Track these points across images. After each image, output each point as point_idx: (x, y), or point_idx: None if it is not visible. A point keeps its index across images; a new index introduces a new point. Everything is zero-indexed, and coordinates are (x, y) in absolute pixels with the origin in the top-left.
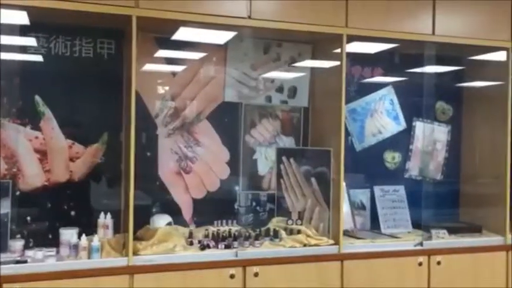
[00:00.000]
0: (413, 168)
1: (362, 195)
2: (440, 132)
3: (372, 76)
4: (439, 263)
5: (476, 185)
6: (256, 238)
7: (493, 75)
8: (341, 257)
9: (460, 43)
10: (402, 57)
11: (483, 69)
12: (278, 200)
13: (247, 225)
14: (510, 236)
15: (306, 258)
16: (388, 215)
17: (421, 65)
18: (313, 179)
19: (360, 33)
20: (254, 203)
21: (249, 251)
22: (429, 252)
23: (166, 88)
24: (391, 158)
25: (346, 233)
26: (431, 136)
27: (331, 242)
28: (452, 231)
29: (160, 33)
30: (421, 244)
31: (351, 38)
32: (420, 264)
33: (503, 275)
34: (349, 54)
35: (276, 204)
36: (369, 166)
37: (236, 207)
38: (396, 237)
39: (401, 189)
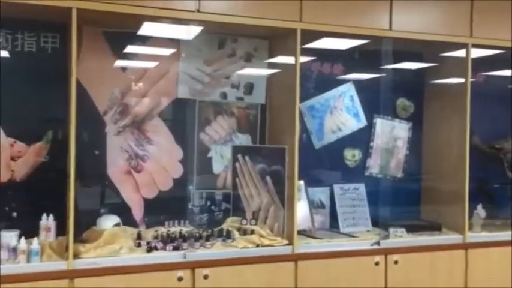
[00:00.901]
0: (373, 166)
1: (321, 194)
2: (401, 129)
3: (332, 72)
4: (396, 262)
5: (437, 182)
6: (208, 239)
7: (453, 71)
8: (295, 258)
9: (418, 39)
10: (362, 54)
11: (443, 66)
12: (234, 199)
13: (202, 225)
14: (469, 235)
15: (258, 259)
16: (347, 213)
17: (382, 61)
18: (268, 178)
19: (315, 28)
20: (209, 203)
21: (199, 253)
22: (386, 252)
23: (116, 84)
24: (351, 156)
25: (304, 233)
26: (392, 133)
27: (285, 242)
28: (411, 229)
29: (109, 27)
30: (377, 243)
31: (311, 34)
32: (377, 263)
33: (462, 273)
34: (307, 50)
35: (231, 204)
36: (328, 164)
37: (190, 206)
38: (353, 237)
39: (361, 187)
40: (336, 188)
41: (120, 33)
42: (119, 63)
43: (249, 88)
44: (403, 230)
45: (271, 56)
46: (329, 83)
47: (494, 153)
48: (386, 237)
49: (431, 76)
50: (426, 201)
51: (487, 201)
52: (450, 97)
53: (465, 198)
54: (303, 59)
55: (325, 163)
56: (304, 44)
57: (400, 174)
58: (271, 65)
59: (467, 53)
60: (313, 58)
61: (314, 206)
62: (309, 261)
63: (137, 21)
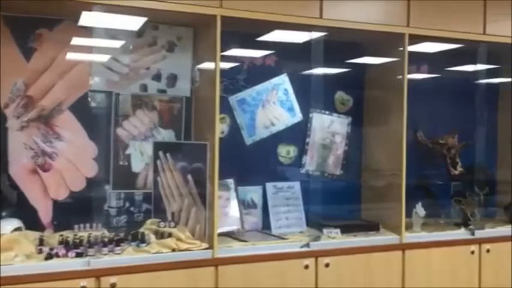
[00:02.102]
0: (310, 163)
1: (253, 193)
2: (340, 124)
3: (264, 64)
4: (327, 265)
5: (376, 180)
6: (118, 244)
7: (390, 64)
8: (215, 262)
9: (352, 28)
10: (298, 44)
11: (381, 57)
12: (155, 200)
13: (119, 228)
14: (406, 235)
15: (174, 264)
16: (280, 213)
17: (319, 53)
18: (189, 176)
19: (237, 14)
20: (127, 204)
21: (104, 259)
22: (317, 254)
23: (19, 75)
24: (286, 152)
25: (232, 235)
26: (329, 128)
27: (205, 246)
28: (346, 230)
29: (10, 11)
30: (307, 245)
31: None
32: (306, 267)
33: (399, 276)
34: (239, 39)
35: (153, 205)
36: (260, 161)
37: (106, 208)
38: (283, 238)
39: (296, 186)
40: (269, 186)
41: (23, 18)
42: (22, 51)
43: (172, 80)
44: (338, 230)
45: (196, 45)
46: (261, 75)
47: (437, 149)
48: (317, 238)
49: (371, 69)
50: (366, 200)
51: (429, 200)
52: (388, 91)
53: (402, 196)
54: (237, 50)
55: (257, 160)
56: (231, 32)
57: (338, 172)
58: (197, 56)
59: (404, 45)
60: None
61: (245, 206)
62: (231, 265)
63: (43, 4)
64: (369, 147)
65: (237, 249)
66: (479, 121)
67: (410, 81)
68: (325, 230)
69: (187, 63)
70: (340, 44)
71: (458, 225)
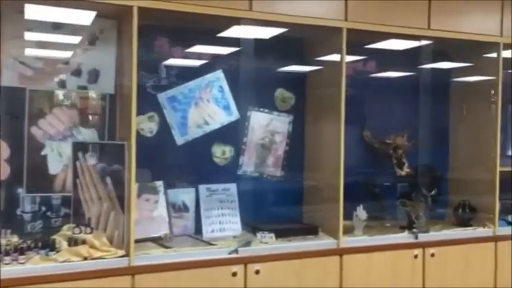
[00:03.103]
0: (248, 164)
1: (185, 195)
2: (280, 123)
3: (200, 59)
4: (257, 272)
5: (318, 181)
6: (22, 252)
7: (331, 60)
8: (131, 271)
9: (287, 21)
10: (234, 40)
11: (321, 53)
12: (75, 204)
13: (34, 234)
14: (345, 239)
15: (86, 274)
16: (213, 217)
17: (258, 48)
18: (108, 179)
19: (153, 5)
20: (44, 208)
21: (6, 269)
22: (246, 260)
23: None
24: (221, 153)
25: (157, 241)
26: (268, 127)
27: (121, 253)
28: (282, 234)
29: None
30: (236, 251)
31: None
32: (234, 274)
33: (336, 282)
34: (160, 31)
35: (72, 209)
36: (193, 162)
37: (19, 213)
38: (212, 244)
39: (232, 188)
40: (202, 188)
41: None
42: None
43: (94, 76)
44: (272, 235)
45: (121, 38)
46: (194, 71)
47: (384, 149)
48: (247, 244)
49: (311, 64)
50: (308, 202)
51: (374, 202)
52: (328, 89)
53: (340, 199)
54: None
55: (190, 161)
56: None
57: (279, 173)
58: (122, 50)
59: (341, 39)
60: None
61: (176, 209)
62: (149, 274)
63: None
64: (311, 147)
65: (155, 256)
66: (431, 120)
67: (358, 78)
68: (258, 235)
69: (111, 57)
70: (281, 39)
71: (403, 228)
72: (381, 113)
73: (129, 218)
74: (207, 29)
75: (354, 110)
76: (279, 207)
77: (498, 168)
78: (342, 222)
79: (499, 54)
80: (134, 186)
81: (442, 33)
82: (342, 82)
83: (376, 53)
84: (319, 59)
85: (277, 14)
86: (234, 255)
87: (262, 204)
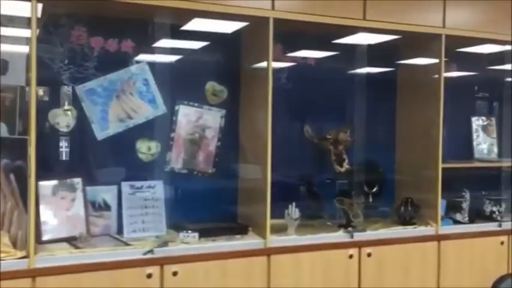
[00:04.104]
0: (176, 160)
1: (106, 193)
2: (211, 118)
3: (119, 50)
4: (175, 273)
5: (252, 178)
6: None
7: (260, 51)
8: (32, 273)
9: (215, 11)
10: (161, 29)
11: (253, 46)
12: None
13: None
14: (274, 238)
15: None
16: (136, 216)
17: (186, 39)
18: (12, 176)
19: None
20: None
21: None
22: (163, 262)
23: None
24: (147, 148)
25: (71, 241)
26: (198, 122)
27: (21, 254)
28: (207, 233)
29: None
30: (151, 252)
31: None
32: (149, 276)
33: (263, 283)
34: (79, 20)
35: None
36: (115, 158)
37: None
38: (128, 244)
39: (158, 185)
40: (125, 186)
41: None
42: None
43: (3, 67)
44: (195, 234)
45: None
46: (116, 62)
47: (324, 145)
48: (165, 244)
49: (246, 56)
50: (242, 200)
51: (312, 200)
52: (258, 82)
53: (267, 196)
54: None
55: (112, 157)
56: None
57: (211, 170)
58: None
59: (268, 31)
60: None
61: (96, 208)
62: (52, 277)
63: None
64: (245, 143)
65: (59, 258)
66: (377, 116)
67: (299, 71)
68: (181, 234)
69: (23, 48)
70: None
71: (341, 227)
72: (325, 108)
73: (30, 217)
74: (139, 18)
75: (294, 105)
76: (210, 205)
77: (440, 165)
78: (269, 221)
79: (440, 46)
80: (34, 183)
81: (382, 24)
82: (269, 75)
83: (321, 46)
84: (253, 51)
85: (234, 7)
86: (149, 256)
87: (191, 203)
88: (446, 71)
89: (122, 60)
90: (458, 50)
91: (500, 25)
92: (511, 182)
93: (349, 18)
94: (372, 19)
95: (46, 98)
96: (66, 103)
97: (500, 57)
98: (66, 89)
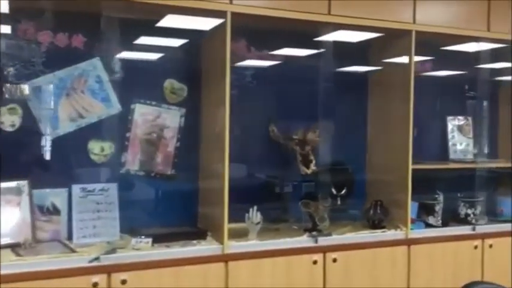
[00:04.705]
0: (132, 162)
1: (55, 197)
2: (170, 117)
3: (70, 45)
4: (123, 282)
5: (213, 180)
6: None
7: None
8: None
9: (173, 5)
10: (115, 24)
11: (213, 42)
12: None
13: None
14: (232, 244)
15: None
16: (87, 220)
17: (143, 34)
18: None
19: None
20: None
21: None
22: (110, 269)
23: None
24: (100, 149)
25: (14, 248)
26: (156, 121)
27: None
28: (163, 238)
29: None
30: (97, 259)
31: None
32: (95, 285)
33: None
34: (27, 14)
35: None
36: (66, 159)
37: None
38: (74, 251)
39: (112, 188)
40: (76, 189)
41: None
42: None
43: None
44: (149, 240)
45: None
46: (66, 58)
47: (290, 145)
48: (113, 251)
49: (206, 53)
50: (203, 204)
51: (277, 203)
52: (219, 80)
53: (224, 199)
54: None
55: (62, 158)
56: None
57: (170, 171)
58: None
59: (226, 26)
60: None
61: (44, 212)
62: None
63: None
64: (206, 143)
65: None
66: (348, 115)
67: (268, 69)
68: (133, 240)
69: None
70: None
71: (307, 231)
72: (293, 107)
73: None
74: (91, 12)
75: (260, 104)
76: (170, 209)
77: (410, 166)
78: (226, 226)
79: (411, 42)
80: None
81: (348, 19)
82: (226, 72)
83: (289, 44)
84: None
85: (192, 0)
86: (95, 264)
87: (149, 206)
88: (422, 69)
89: (72, 56)
90: (440, 48)
91: (475, 22)
92: (487, 184)
93: (314, 13)
94: (337, 14)
95: None
96: (12, 101)
97: (479, 56)
98: (11, 87)
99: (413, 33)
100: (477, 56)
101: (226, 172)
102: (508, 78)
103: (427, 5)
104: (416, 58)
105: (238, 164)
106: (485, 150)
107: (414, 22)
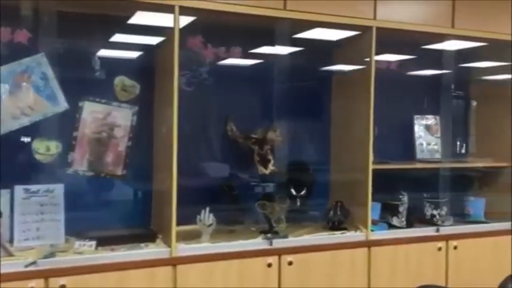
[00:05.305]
0: (79, 162)
1: None
2: (121, 115)
3: (12, 39)
4: (62, 287)
5: (164, 181)
6: None
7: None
8: None
9: None
10: (63, 17)
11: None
12: None
13: None
14: (181, 247)
15: None
16: (30, 223)
17: (90, 28)
18: None
19: None
20: None
21: None
22: (48, 274)
23: None
24: (45, 149)
25: None
26: (106, 120)
27: None
28: (108, 241)
29: None
30: (34, 263)
31: None
32: None
33: None
34: None
35: None
36: (8, 159)
37: None
38: (12, 255)
39: (58, 189)
40: (18, 190)
41: None
42: None
43: None
44: (93, 243)
45: None
46: (8, 54)
47: (248, 144)
48: (52, 255)
49: (158, 49)
50: (157, 205)
51: (232, 204)
52: (166, 78)
53: (172, 201)
54: None
55: (4, 158)
56: None
57: (121, 172)
58: None
59: (175, 21)
60: None
61: None
62: None
63: None
64: (160, 142)
65: None
66: (311, 113)
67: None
68: (77, 243)
69: None
70: (119, 18)
71: (264, 233)
72: (253, 106)
73: None
74: (36, 7)
75: (217, 102)
76: (121, 211)
77: (370, 166)
78: (174, 228)
79: (371, 40)
80: None
81: (304, 14)
82: (174, 69)
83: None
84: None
85: None
86: (32, 268)
87: (99, 208)
88: (388, 68)
89: (15, 52)
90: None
91: (440, 19)
92: (455, 184)
93: (269, 8)
94: (293, 9)
95: None
96: None
97: (448, 54)
98: None
99: (374, 30)
100: (446, 54)
101: (175, 173)
102: (480, 77)
103: (389, 1)
104: (381, 57)
105: (194, 164)
106: (455, 150)
107: (375, 18)
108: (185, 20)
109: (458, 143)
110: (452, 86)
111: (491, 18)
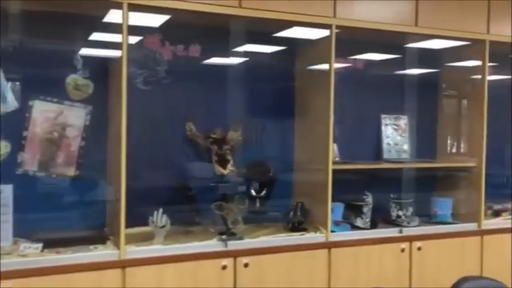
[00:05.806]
0: (30, 162)
1: None
2: (74, 115)
3: None
4: None
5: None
6: None
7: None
8: None
9: None
10: (11, 13)
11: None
12: None
13: None
14: (132, 249)
15: None
16: None
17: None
18: None
19: None
20: None
21: None
22: None
23: None
24: None
25: None
26: (58, 119)
27: None
28: (55, 244)
29: None
30: None
31: None
32: None
33: None
34: None
35: None
36: None
37: None
38: None
39: (7, 190)
40: None
41: None
42: None
43: None
44: (38, 246)
45: None
46: None
47: (207, 144)
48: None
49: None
50: (110, 206)
51: (188, 205)
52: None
53: (121, 201)
54: None
55: None
56: None
57: (73, 172)
58: None
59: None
60: None
61: None
62: None
63: None
64: (113, 143)
65: None
66: (274, 112)
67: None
68: (22, 245)
69: None
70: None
71: (221, 235)
72: (214, 105)
73: None
74: None
75: (176, 101)
76: (74, 212)
77: (330, 167)
78: (123, 230)
79: (331, 37)
80: None
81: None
82: (123, 67)
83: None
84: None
85: None
86: None
87: (50, 209)
88: (354, 67)
89: None
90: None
91: (402, 17)
92: (422, 185)
93: (224, 6)
94: (249, 7)
95: None
96: None
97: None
98: None
99: (334, 27)
100: (412, 53)
101: (123, 173)
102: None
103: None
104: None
105: (150, 164)
106: (422, 150)
107: (334, 16)
108: (143, 18)
109: (425, 142)
110: (421, 85)
111: (455, 17)
